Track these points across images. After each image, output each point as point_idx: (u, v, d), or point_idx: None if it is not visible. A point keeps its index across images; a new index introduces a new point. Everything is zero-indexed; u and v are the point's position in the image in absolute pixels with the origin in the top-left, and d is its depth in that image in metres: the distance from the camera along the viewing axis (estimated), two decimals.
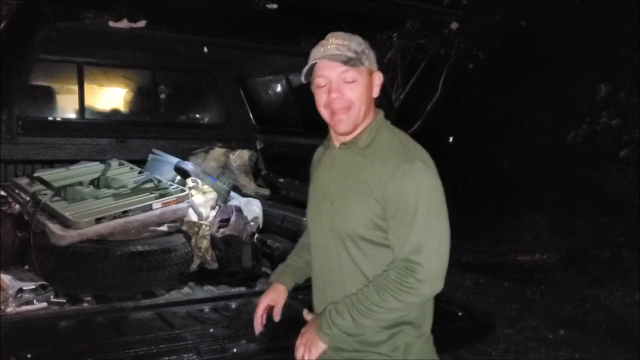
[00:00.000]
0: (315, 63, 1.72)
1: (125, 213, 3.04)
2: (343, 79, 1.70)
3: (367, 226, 1.68)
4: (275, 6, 2.64)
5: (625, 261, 6.94)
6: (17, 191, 3.27)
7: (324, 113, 1.75)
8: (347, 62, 1.68)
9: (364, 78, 1.72)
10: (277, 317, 1.96)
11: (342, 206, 1.72)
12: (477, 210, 9.46)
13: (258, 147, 4.57)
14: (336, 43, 1.71)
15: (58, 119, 4.16)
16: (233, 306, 2.91)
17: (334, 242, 1.76)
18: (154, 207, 3.14)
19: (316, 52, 1.73)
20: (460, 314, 2.91)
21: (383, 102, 3.57)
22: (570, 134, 8.00)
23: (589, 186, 8.73)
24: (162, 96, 4.57)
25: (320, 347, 1.71)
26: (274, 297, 1.98)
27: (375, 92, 1.78)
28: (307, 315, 1.86)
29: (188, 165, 3.88)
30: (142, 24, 2.95)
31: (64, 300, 2.79)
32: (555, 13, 8.41)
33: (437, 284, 1.64)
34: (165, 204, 3.19)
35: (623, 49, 7.84)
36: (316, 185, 1.88)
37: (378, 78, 1.78)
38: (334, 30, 1.78)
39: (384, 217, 1.66)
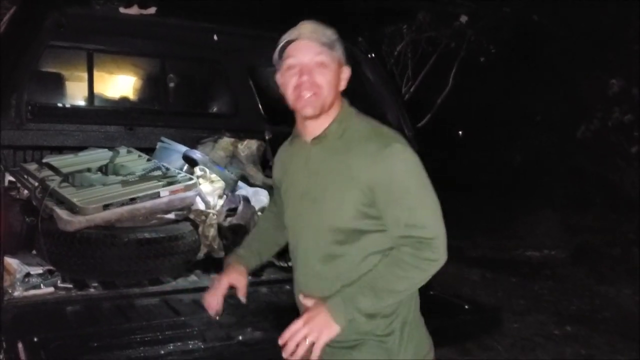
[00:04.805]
0: (288, 45, 1.70)
1: (133, 200, 3.04)
2: (315, 62, 1.69)
3: (355, 217, 1.67)
4: None
5: (635, 258, 6.90)
6: (25, 176, 3.28)
7: (292, 95, 1.74)
8: (322, 44, 1.68)
9: (335, 66, 1.72)
10: (244, 298, 1.95)
11: (326, 201, 1.70)
12: (486, 205, 9.42)
13: (266, 137, 4.54)
14: (310, 28, 1.71)
15: (67, 105, 4.15)
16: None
17: (321, 240, 1.74)
18: (161, 195, 3.15)
19: (290, 34, 1.72)
20: (467, 307, 2.89)
21: (393, 95, 3.57)
22: (580, 129, 7.95)
23: (599, 183, 8.68)
24: (171, 85, 4.57)
25: (335, 331, 1.62)
26: (235, 277, 1.95)
27: (342, 86, 1.77)
28: (305, 299, 1.75)
29: (196, 154, 3.86)
30: (152, 10, 2.94)
31: (71, 286, 2.81)
32: (567, 7, 8.33)
33: (446, 253, 1.67)
34: (173, 192, 3.19)
35: (637, 45, 7.76)
36: (292, 186, 1.85)
37: (346, 71, 1.78)
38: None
39: (372, 204, 1.66)
